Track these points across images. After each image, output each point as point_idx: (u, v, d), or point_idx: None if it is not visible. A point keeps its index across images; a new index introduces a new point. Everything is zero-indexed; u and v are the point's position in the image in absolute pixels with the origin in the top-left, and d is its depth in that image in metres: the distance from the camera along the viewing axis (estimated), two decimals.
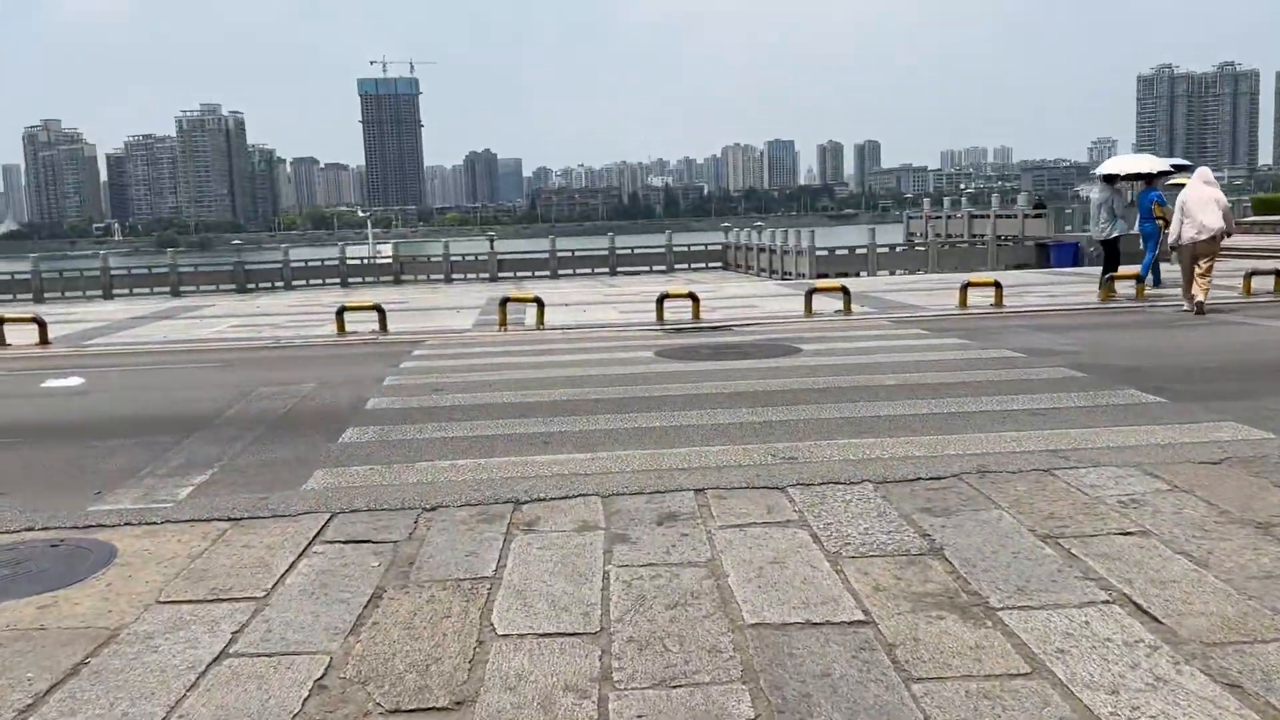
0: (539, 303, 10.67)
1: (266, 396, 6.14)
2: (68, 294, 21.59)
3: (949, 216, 30.61)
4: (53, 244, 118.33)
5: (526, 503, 3.24)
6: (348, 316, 9.82)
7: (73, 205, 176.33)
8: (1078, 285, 13.25)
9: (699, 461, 4.05)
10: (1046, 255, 21.54)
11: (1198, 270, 8.89)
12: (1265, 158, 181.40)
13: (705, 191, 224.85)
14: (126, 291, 22.52)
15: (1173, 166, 12.48)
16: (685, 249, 29.59)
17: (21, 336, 10.17)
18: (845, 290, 11.03)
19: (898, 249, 25.55)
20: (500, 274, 24.98)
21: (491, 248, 25.95)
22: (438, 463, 4.25)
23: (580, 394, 6.00)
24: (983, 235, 25.22)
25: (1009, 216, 26.70)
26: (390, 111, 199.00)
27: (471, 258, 25.90)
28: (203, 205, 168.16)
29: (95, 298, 22.41)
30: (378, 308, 10.38)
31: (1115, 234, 10.94)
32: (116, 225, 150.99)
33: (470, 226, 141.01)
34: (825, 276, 19.29)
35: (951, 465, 3.60)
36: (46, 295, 21.64)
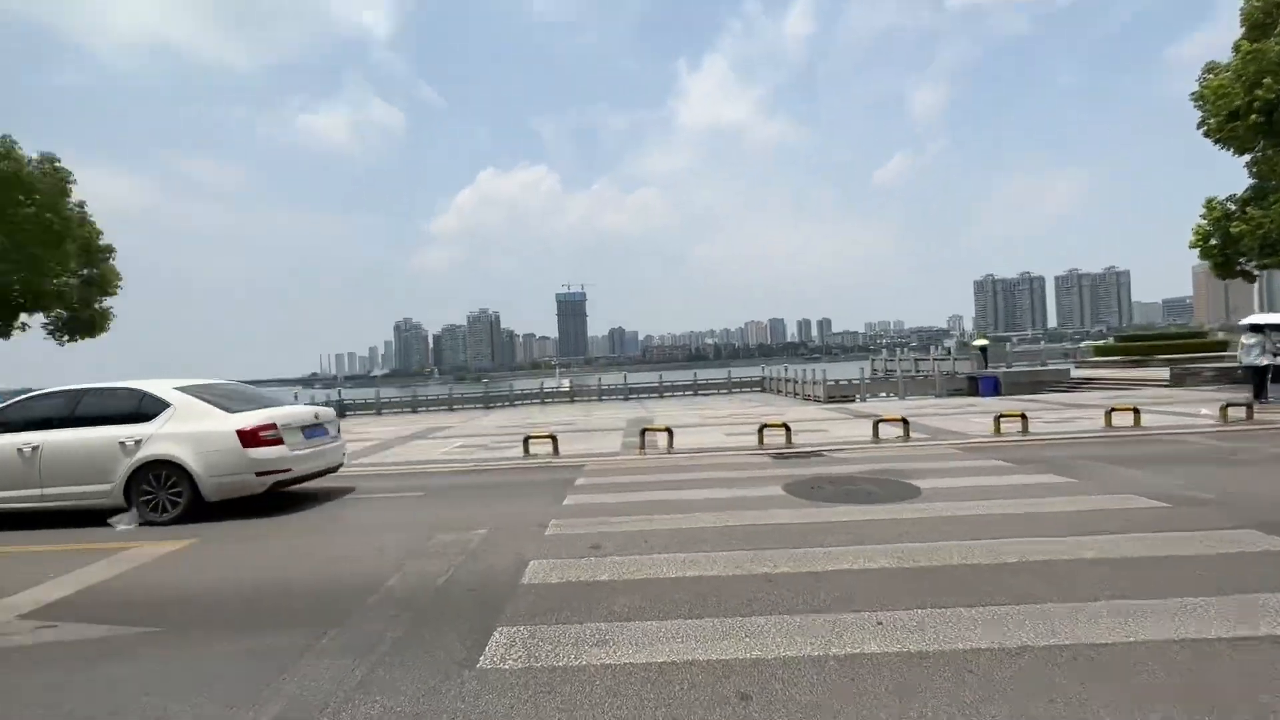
0: (669, 432, 11.00)
1: (435, 553, 5.13)
2: (385, 412, 33.41)
3: (900, 359, 41.70)
4: (404, 380, 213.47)
5: None
6: (531, 443, 10.99)
7: (415, 359, 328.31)
8: (1070, 411, 14.53)
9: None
10: (976, 385, 26.59)
11: None
12: (1051, 324, 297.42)
13: (736, 346, 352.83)
14: (426, 410, 34.07)
15: None
16: (738, 379, 41.96)
17: None
18: (905, 421, 10.93)
19: (873, 379, 34.39)
20: (630, 396, 38.12)
21: (625, 380, 40.01)
22: None
23: (746, 566, 4.46)
24: (926, 371, 33.65)
25: (942, 359, 35.53)
26: (571, 308, 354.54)
27: (611, 385, 39.65)
28: (478, 359, 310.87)
29: (406, 413, 32.52)
30: (552, 437, 10.95)
31: (1265, 363, 13.30)
32: (435, 369, 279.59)
33: (612, 368, 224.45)
34: (834, 398, 28.73)
35: None
36: (383, 411, 33.65)
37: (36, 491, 7.02)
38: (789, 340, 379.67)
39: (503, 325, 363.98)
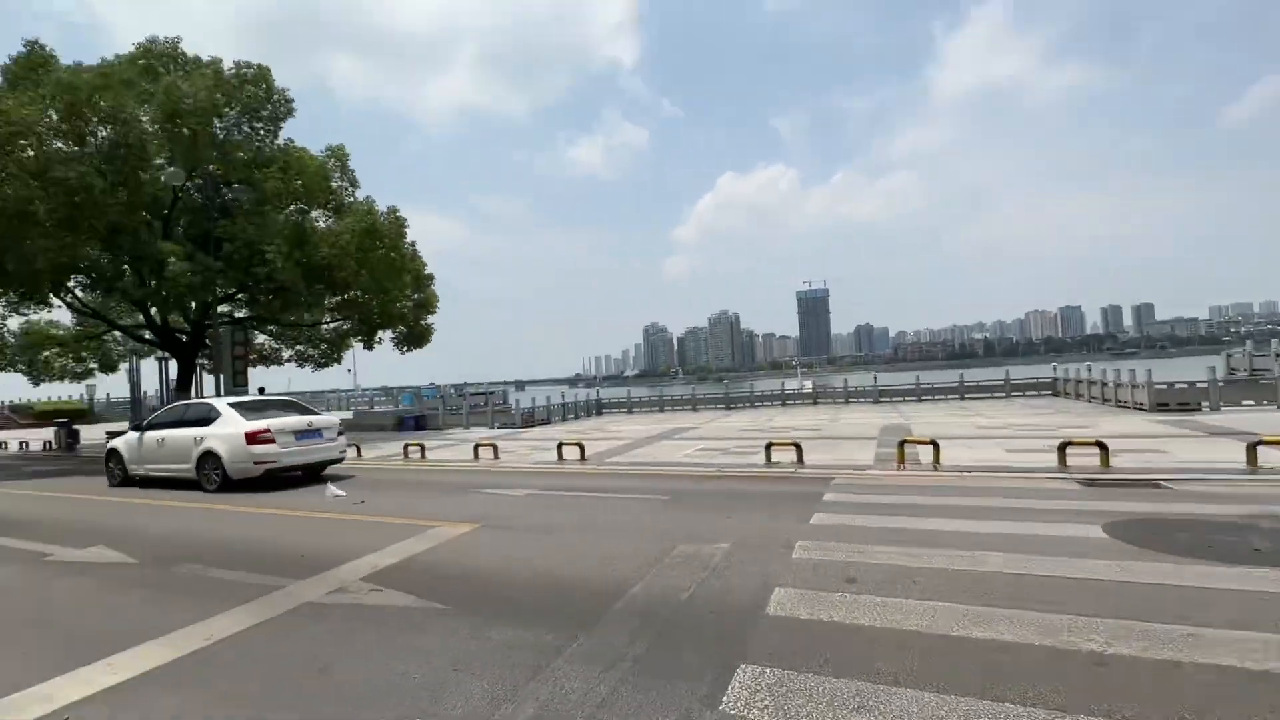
0: (934, 445, 9.44)
1: (678, 564, 5.01)
2: (635, 411, 34.15)
3: (1276, 352, 26.88)
4: (652, 380, 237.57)
5: None
6: (774, 450, 10.59)
7: (661, 361, 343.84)
8: None
9: None
10: None
11: None
12: None
13: (1014, 341, 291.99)
14: (671, 409, 34.28)
15: None
16: (1020, 381, 33.62)
17: (570, 454, 12.29)
18: None
19: (1230, 382, 24.12)
20: (880, 399, 33.38)
21: (874, 381, 35.25)
22: None
23: (1062, 636, 3.40)
24: None
25: None
26: (813, 305, 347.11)
27: (858, 387, 35.40)
28: (719, 359, 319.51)
29: (653, 411, 33.23)
30: (796, 445, 10.40)
31: None
32: (679, 370, 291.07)
33: (858, 367, 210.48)
34: (1167, 406, 20.91)
35: None
36: (634, 410, 34.39)
37: (163, 466, 11.28)
38: (1090, 333, 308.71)
39: (742, 326, 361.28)
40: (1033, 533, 5.46)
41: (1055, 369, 34.65)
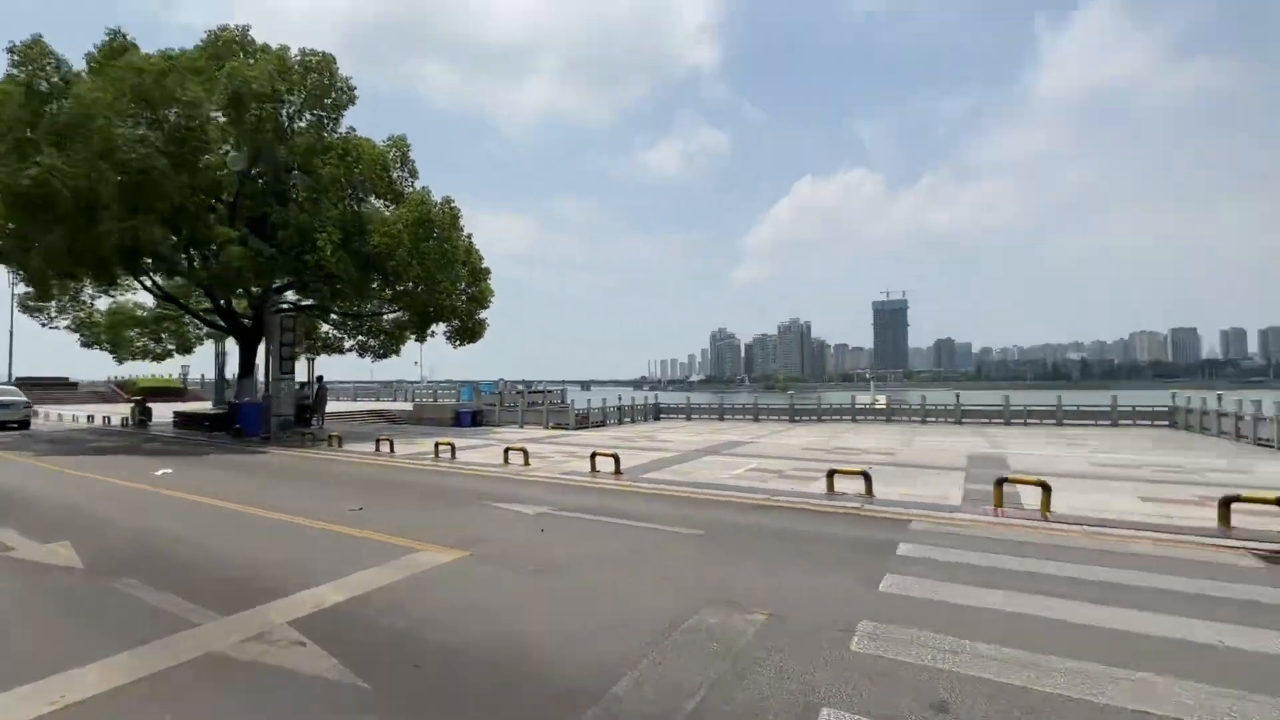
0: (1044, 487, 7.55)
1: (693, 642, 3.73)
2: (694, 418, 32.17)
3: None
4: (717, 386, 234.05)
5: None
6: (837, 479, 8.97)
7: (728, 367, 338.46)
8: None
9: None
10: None
11: None
12: None
13: (1114, 363, 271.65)
14: (731, 418, 32.22)
15: None
16: (1130, 407, 29.47)
17: (604, 465, 10.94)
18: None
19: None
20: (963, 419, 30.43)
21: (957, 400, 31.67)
22: None
23: None
24: None
25: None
26: (889, 317, 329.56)
27: (938, 405, 31.91)
28: (787, 369, 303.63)
29: (713, 419, 31.28)
30: (865, 474, 8.76)
31: None
32: (745, 378, 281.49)
33: (937, 384, 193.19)
34: None
35: None
36: (692, 416, 32.44)
37: None
38: (1206, 357, 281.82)
39: (814, 335, 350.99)
40: (1215, 640, 3.80)
41: (1174, 396, 30.59)
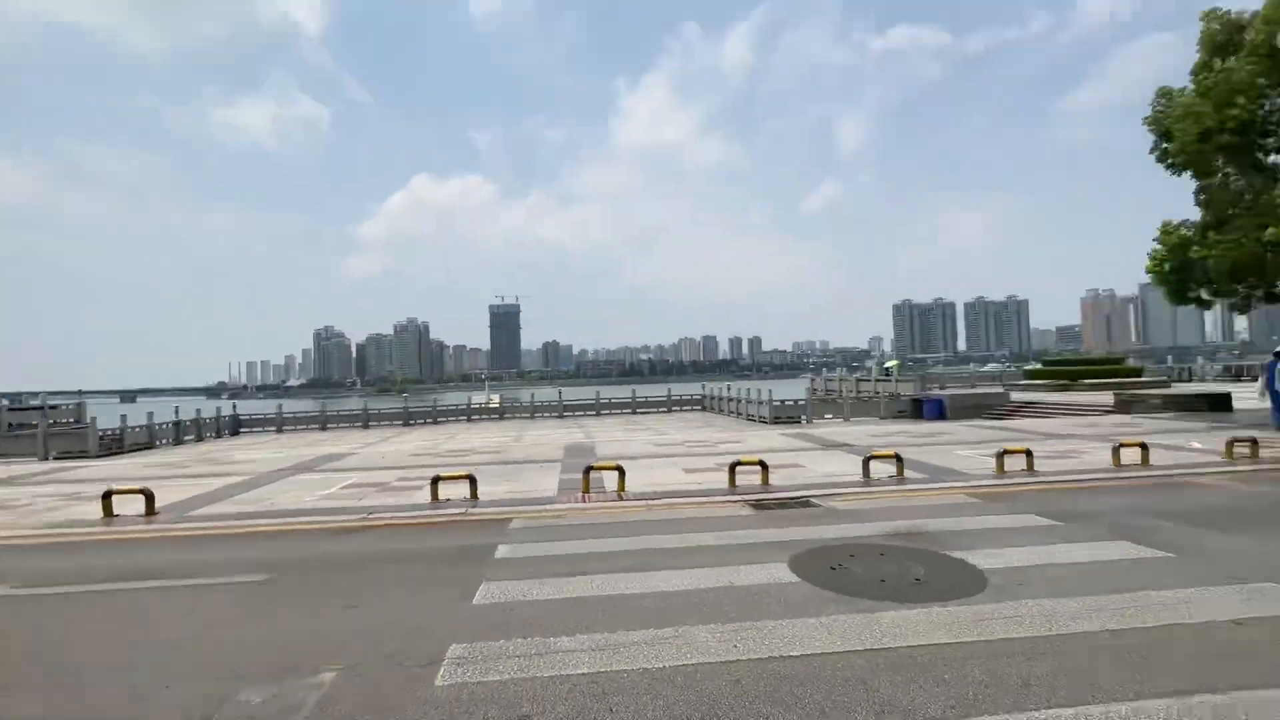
0: (620, 471, 8.68)
1: None
2: (287, 429, 27.93)
3: (840, 379, 41.85)
4: (323, 391, 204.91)
5: None
6: (442, 485, 8.49)
7: (337, 370, 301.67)
8: (1053, 443, 12.89)
9: None
10: (919, 408, 25.78)
11: None
12: (961, 347, 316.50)
13: (670, 362, 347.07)
14: (336, 427, 29.09)
15: None
16: (678, 397, 38.89)
17: (131, 507, 8.17)
18: (898, 458, 9.35)
19: (816, 399, 31.36)
20: (565, 414, 34.79)
21: (560, 397, 36.18)
22: None
23: None
24: (868, 393, 33.20)
25: (885, 379, 36.06)
26: (504, 320, 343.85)
27: (545, 401, 36.40)
28: (405, 370, 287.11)
29: (313, 430, 27.44)
30: (470, 478, 8.62)
31: None
32: (357, 381, 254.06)
33: (544, 382, 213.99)
34: (780, 419, 26.38)
35: None
36: (284, 428, 28.16)
37: None
38: (721, 358, 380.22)
39: (432, 336, 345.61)
40: (728, 582, 4.80)
41: (704, 388, 40.66)
